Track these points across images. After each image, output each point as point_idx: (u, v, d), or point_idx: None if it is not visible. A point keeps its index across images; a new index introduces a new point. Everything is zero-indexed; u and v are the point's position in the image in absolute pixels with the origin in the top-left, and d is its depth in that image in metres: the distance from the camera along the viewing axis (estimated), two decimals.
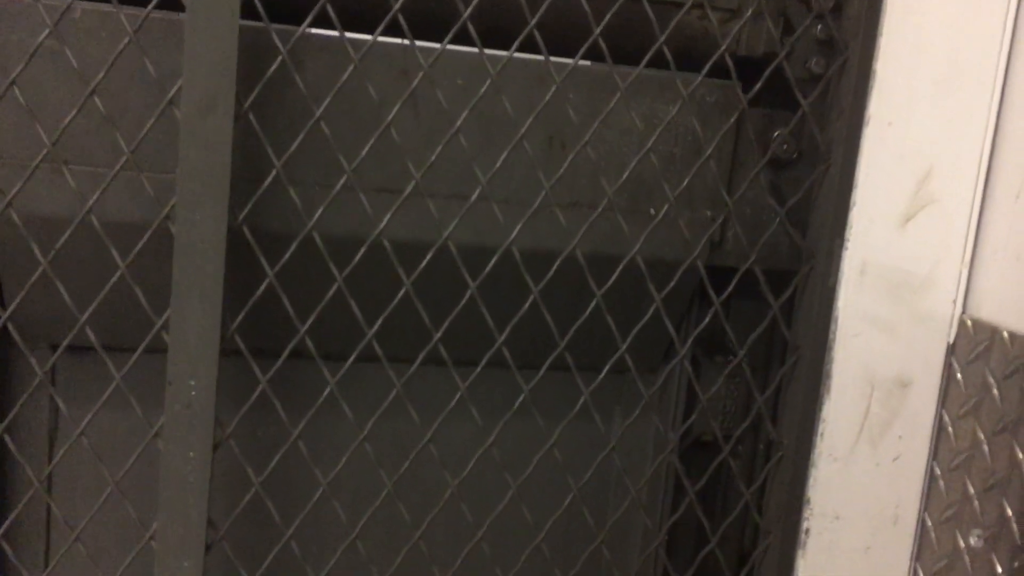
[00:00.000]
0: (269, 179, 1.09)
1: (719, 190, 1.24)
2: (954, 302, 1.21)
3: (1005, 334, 1.14)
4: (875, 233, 1.20)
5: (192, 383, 1.07)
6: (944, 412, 1.23)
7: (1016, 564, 1.12)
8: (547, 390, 1.21)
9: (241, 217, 1.08)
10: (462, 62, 1.15)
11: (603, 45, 1.13)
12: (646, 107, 1.21)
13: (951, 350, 1.22)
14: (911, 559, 1.26)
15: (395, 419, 1.18)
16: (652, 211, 1.22)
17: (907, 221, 1.19)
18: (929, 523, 1.24)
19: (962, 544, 1.19)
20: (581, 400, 1.20)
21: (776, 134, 1.26)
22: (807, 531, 1.24)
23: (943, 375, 1.22)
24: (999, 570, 1.13)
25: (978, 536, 1.17)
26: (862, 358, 1.21)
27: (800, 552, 1.25)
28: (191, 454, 1.08)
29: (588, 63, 1.17)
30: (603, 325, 1.19)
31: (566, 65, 1.15)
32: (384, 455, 1.20)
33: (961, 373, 1.20)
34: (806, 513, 1.24)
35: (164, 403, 1.07)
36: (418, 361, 1.16)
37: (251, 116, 1.07)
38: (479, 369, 1.18)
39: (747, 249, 1.24)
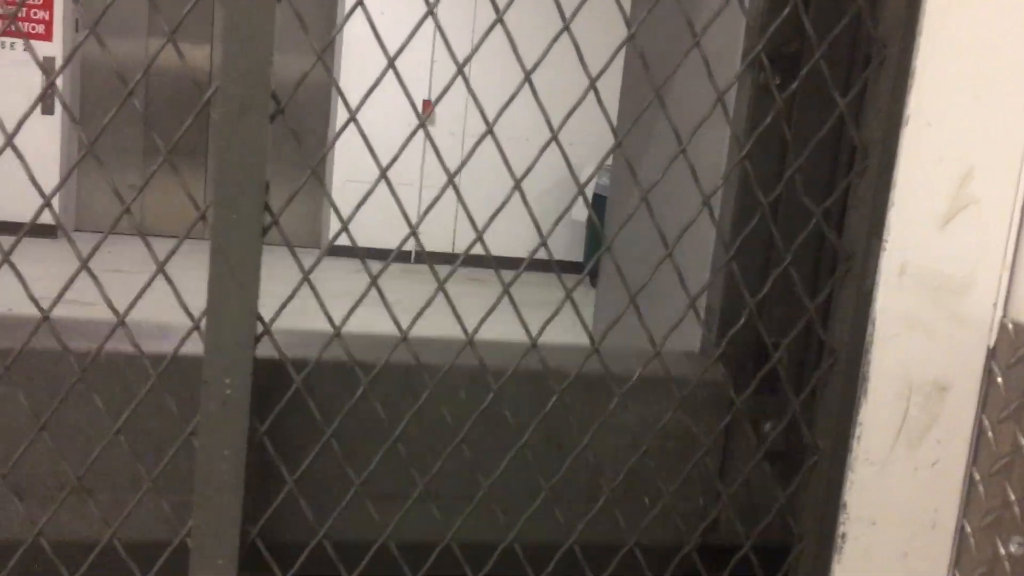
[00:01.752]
0: (304, 180, 1.10)
1: (711, 480, 1.32)
2: (994, 305, 1.19)
3: None
4: (914, 234, 1.18)
5: (227, 381, 1.08)
6: (984, 417, 1.21)
7: None
8: None
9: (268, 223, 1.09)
10: (465, 374, 1.19)
11: None
12: (641, 406, 1.27)
13: (991, 354, 1.19)
14: (950, 566, 1.24)
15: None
16: (647, 501, 1.29)
17: (947, 222, 1.18)
18: (968, 529, 1.22)
19: (1002, 551, 1.16)
20: None
21: (767, 427, 1.32)
22: (843, 536, 1.23)
23: (983, 379, 1.20)
24: None
25: (1019, 543, 1.14)
26: (900, 361, 1.20)
27: (836, 557, 1.23)
28: (226, 452, 1.09)
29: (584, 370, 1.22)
30: None
31: (565, 375, 1.19)
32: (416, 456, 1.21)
33: (1001, 377, 1.18)
34: (842, 518, 1.22)
35: (200, 402, 1.08)
36: None
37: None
38: None
39: (741, 529, 1.27)
